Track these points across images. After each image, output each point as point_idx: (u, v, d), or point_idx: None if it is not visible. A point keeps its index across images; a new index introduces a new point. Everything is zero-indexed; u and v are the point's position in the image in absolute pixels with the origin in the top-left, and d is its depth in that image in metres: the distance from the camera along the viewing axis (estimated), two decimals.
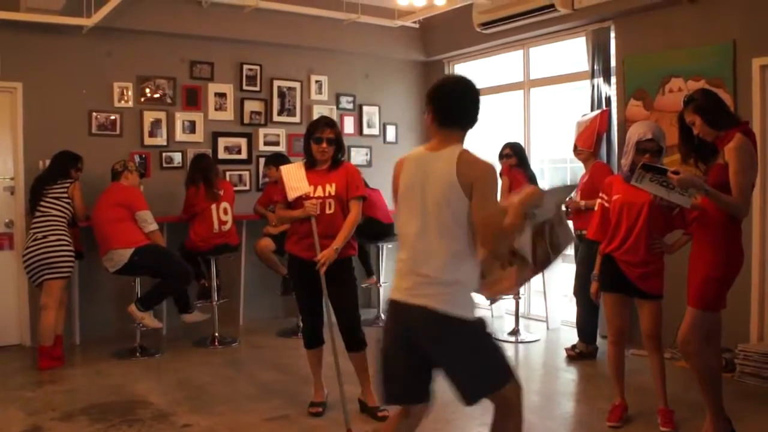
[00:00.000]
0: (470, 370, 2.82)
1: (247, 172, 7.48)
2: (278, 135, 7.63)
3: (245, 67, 7.41)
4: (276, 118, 7.62)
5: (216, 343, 6.46)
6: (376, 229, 7.12)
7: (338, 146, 4.46)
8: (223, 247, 6.47)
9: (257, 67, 7.48)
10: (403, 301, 2.85)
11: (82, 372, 5.65)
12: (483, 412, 4.06)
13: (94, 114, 6.66)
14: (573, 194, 6.05)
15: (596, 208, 4.45)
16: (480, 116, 2.96)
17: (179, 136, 7.07)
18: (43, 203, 5.76)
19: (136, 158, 6.75)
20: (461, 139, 2.92)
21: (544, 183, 7.23)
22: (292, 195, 4.38)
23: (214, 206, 6.37)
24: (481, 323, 2.83)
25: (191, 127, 7.14)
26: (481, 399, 2.86)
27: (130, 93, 6.82)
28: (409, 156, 3.00)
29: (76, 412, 4.59)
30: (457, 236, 2.79)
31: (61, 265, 5.69)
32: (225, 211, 6.44)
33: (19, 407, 4.70)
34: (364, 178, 7.28)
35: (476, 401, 2.86)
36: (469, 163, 2.78)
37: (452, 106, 2.91)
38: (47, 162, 6.05)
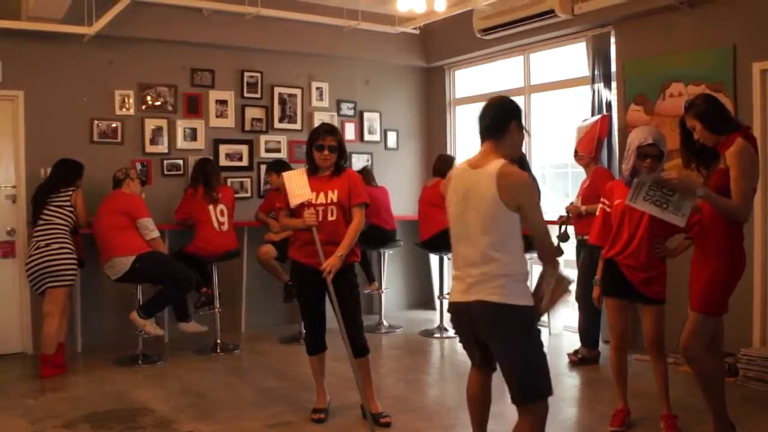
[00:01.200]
0: (518, 362, 3.09)
1: (248, 179, 7.49)
2: (279, 142, 7.64)
3: (246, 74, 7.43)
4: (277, 125, 7.64)
5: (218, 350, 6.45)
6: (377, 236, 7.13)
7: (340, 153, 4.47)
8: (225, 254, 6.47)
9: (258, 74, 7.50)
10: (460, 301, 3.15)
11: (84, 380, 5.65)
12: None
13: (96, 122, 6.67)
14: (574, 199, 6.06)
15: (598, 213, 4.45)
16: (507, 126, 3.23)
17: (180, 143, 7.08)
18: (46, 211, 5.76)
19: (138, 166, 6.75)
20: (497, 150, 3.16)
21: (545, 188, 7.24)
22: (294, 202, 4.38)
23: (211, 207, 6.38)
24: (530, 314, 3.10)
25: (192, 135, 7.15)
26: (529, 402, 3.13)
27: (131, 101, 6.83)
28: (456, 171, 3.30)
29: (79, 419, 4.58)
30: (505, 245, 3.06)
31: (64, 273, 5.70)
32: (222, 213, 6.45)
33: (21, 415, 4.69)
34: (373, 174, 7.37)
35: (524, 402, 3.14)
36: (506, 178, 3.02)
37: (484, 121, 3.24)
38: (48, 170, 6.06)
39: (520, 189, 3.04)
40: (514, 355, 3.08)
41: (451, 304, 3.26)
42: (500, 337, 3.09)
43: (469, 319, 3.13)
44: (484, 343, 3.18)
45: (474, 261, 3.08)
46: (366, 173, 7.37)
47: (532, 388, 3.12)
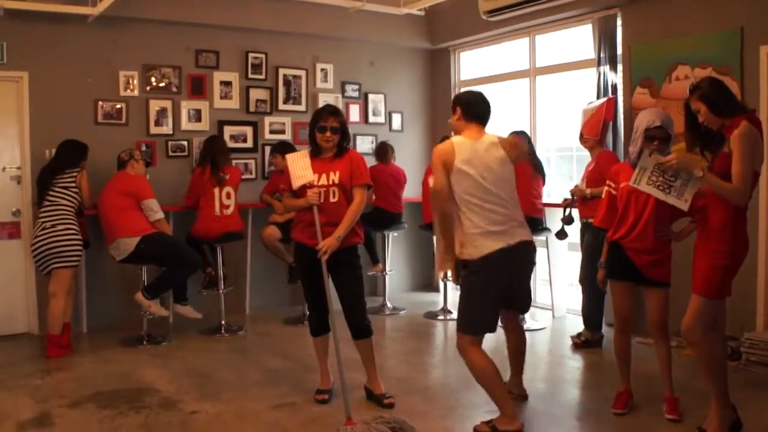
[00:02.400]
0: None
1: (252, 161, 7.48)
2: (284, 123, 7.63)
3: (250, 55, 7.41)
4: (281, 106, 7.62)
5: (222, 331, 6.48)
6: (381, 218, 7.14)
7: (343, 134, 4.46)
8: (228, 235, 6.49)
9: (262, 56, 7.47)
10: (510, 244, 3.95)
11: (89, 360, 5.69)
12: (488, 400, 4.08)
13: (100, 103, 6.67)
14: (579, 182, 6.05)
15: (603, 196, 4.45)
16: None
17: (185, 124, 7.08)
18: (51, 193, 5.78)
19: (142, 147, 6.75)
20: (484, 130, 4.13)
21: (550, 171, 7.23)
22: (296, 183, 4.38)
23: (216, 189, 6.39)
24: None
25: (197, 116, 7.14)
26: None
27: (135, 82, 6.82)
28: (459, 142, 4.02)
29: (84, 399, 4.62)
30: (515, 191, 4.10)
31: (70, 254, 5.72)
32: (228, 195, 6.45)
33: (28, 395, 4.73)
34: (391, 152, 7.35)
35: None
36: (506, 143, 4.10)
37: (486, 110, 4.16)
38: (53, 151, 6.07)
39: (511, 145, 4.12)
40: (529, 279, 4.28)
41: (495, 252, 3.89)
42: (530, 269, 4.27)
43: (514, 260, 3.97)
44: (509, 287, 4.04)
45: (513, 207, 4.02)
46: (383, 150, 7.36)
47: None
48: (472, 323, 3.97)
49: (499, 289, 3.97)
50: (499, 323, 4.28)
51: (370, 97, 8.20)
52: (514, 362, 4.54)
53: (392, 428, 3.63)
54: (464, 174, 3.92)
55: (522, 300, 4.25)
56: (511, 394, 4.27)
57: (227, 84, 7.29)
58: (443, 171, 3.96)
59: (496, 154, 3.99)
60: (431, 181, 4.08)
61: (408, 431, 3.74)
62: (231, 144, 7.23)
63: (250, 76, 7.42)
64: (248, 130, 7.44)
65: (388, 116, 8.35)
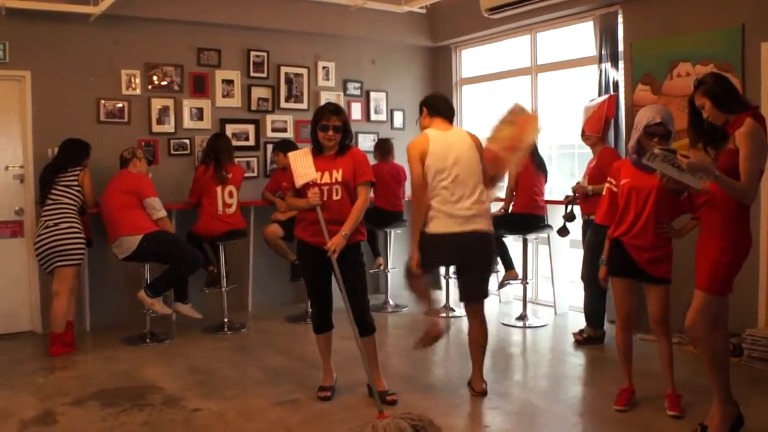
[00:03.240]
0: (485, 273, 4.68)
1: (255, 159, 7.50)
2: (286, 121, 7.64)
3: (252, 53, 7.42)
4: (283, 104, 7.63)
5: (225, 329, 6.50)
6: (381, 217, 7.15)
7: (345, 132, 4.47)
8: (231, 233, 6.50)
9: (264, 54, 7.48)
10: (462, 231, 4.38)
11: (93, 358, 5.70)
12: (490, 396, 4.11)
13: (102, 102, 6.68)
14: (581, 179, 6.05)
15: (604, 193, 4.45)
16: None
17: (187, 123, 7.09)
18: (54, 191, 5.79)
19: (144, 146, 6.76)
20: (450, 124, 4.68)
21: (552, 168, 7.23)
22: (299, 182, 4.39)
23: (219, 188, 6.40)
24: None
25: (199, 114, 7.16)
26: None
27: (137, 80, 6.83)
28: (432, 133, 4.52)
29: (88, 397, 4.64)
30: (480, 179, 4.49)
31: (73, 252, 5.73)
32: (230, 194, 6.46)
33: (31, 393, 4.75)
34: (391, 149, 7.35)
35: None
36: (473, 135, 4.59)
37: (449, 106, 4.77)
38: (56, 150, 6.08)
39: (477, 138, 4.58)
40: (486, 271, 4.68)
41: (444, 234, 4.35)
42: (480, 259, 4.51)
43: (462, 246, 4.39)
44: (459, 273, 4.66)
45: (470, 196, 4.40)
46: (386, 147, 7.36)
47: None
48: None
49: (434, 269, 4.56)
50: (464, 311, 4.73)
51: (372, 95, 8.21)
52: (473, 354, 4.63)
53: (414, 426, 3.61)
54: (437, 159, 4.38)
55: (465, 288, 4.63)
56: (470, 389, 4.58)
57: (229, 82, 7.30)
58: (420, 163, 4.43)
59: (467, 143, 4.49)
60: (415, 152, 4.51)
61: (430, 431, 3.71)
62: (233, 142, 7.21)
63: (252, 74, 7.43)
64: (250, 129, 7.45)
65: (390, 114, 8.36)
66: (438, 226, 4.40)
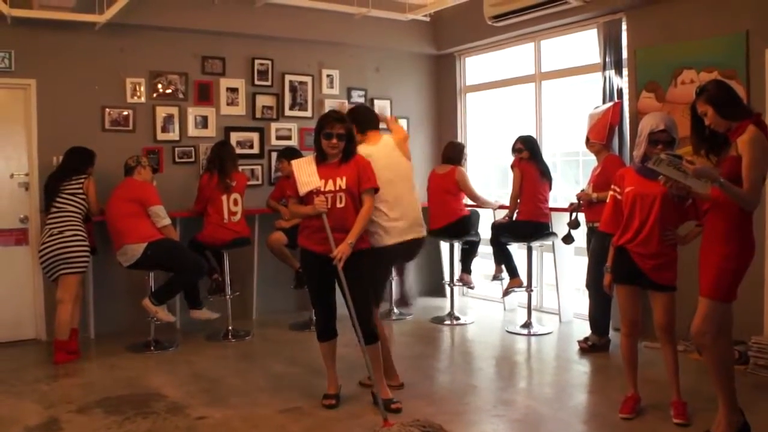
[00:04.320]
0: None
1: (259, 167, 7.50)
2: (290, 129, 7.65)
3: (257, 61, 7.44)
4: (288, 112, 7.64)
5: (229, 337, 6.50)
6: None
7: (349, 140, 4.47)
8: (236, 241, 6.50)
9: (269, 62, 7.50)
10: (412, 238, 4.76)
11: (97, 365, 5.70)
12: (495, 404, 4.10)
13: (107, 110, 6.70)
14: (585, 187, 6.05)
15: (608, 200, 4.44)
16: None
17: (191, 131, 7.10)
18: (58, 199, 5.80)
19: (148, 153, 6.77)
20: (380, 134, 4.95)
21: (556, 176, 7.22)
22: (303, 190, 4.39)
23: (224, 197, 6.40)
24: None
25: (203, 122, 7.17)
26: None
27: (142, 89, 6.85)
28: (374, 150, 4.72)
29: (92, 404, 4.63)
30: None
31: (77, 260, 5.74)
32: (235, 202, 6.47)
33: (35, 400, 4.75)
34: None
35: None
36: (400, 144, 4.94)
37: (374, 115, 5.13)
38: (60, 158, 6.10)
39: (405, 144, 4.98)
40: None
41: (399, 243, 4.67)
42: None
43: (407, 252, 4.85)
44: None
45: (414, 207, 4.81)
46: None
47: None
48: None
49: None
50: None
51: (376, 102, 8.20)
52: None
53: None
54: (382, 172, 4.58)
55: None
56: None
57: (234, 90, 7.32)
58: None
59: (396, 152, 4.85)
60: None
61: None
62: (237, 150, 7.22)
63: (257, 82, 7.45)
64: (254, 137, 7.46)
65: None
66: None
